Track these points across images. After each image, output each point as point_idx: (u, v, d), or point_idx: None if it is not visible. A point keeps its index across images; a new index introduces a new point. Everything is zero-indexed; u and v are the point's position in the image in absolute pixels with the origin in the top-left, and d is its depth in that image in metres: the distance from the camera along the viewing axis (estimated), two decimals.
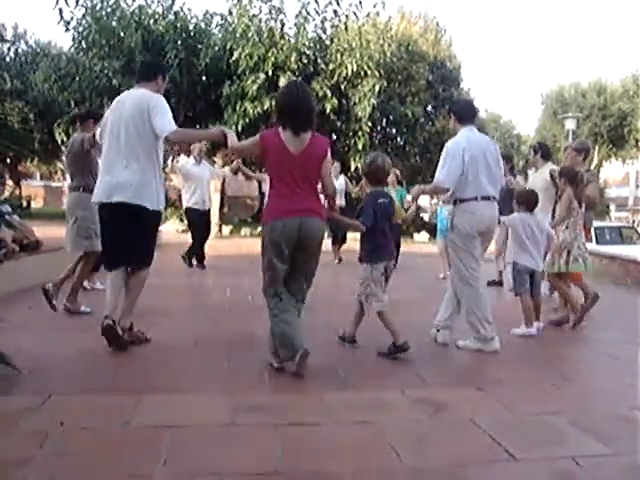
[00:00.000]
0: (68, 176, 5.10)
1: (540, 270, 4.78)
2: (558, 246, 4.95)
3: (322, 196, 3.68)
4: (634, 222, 33.97)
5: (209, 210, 8.56)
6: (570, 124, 19.91)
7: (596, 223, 15.29)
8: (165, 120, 3.64)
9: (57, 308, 4.78)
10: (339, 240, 9.72)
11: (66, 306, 4.89)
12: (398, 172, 8.87)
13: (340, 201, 8.65)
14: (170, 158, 6.56)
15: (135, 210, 3.70)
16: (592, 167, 30.28)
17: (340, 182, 9.56)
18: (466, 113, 4.31)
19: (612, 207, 40.46)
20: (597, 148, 31.81)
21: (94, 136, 4.34)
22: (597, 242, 12.94)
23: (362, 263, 3.95)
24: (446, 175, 4.10)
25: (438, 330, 4.31)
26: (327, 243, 9.69)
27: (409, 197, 4.76)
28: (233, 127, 13.99)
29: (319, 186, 3.56)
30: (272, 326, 3.41)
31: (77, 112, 5.19)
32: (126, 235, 3.78)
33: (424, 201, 17.81)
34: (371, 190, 4.06)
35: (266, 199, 3.64)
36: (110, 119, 3.83)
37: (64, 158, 5.02)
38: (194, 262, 8.32)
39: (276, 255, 3.36)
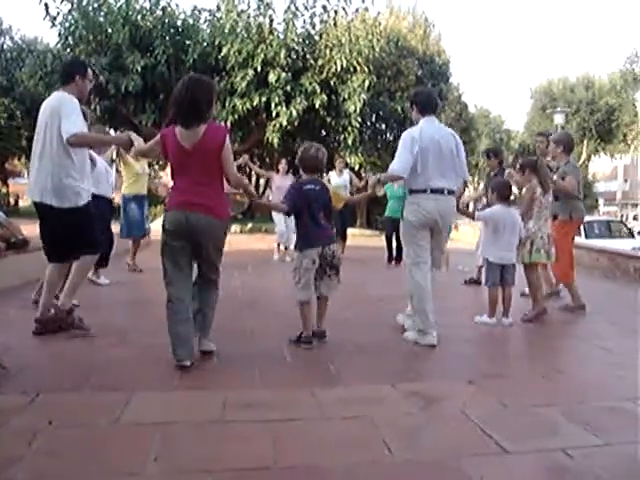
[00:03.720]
0: None
1: (511, 263, 4.79)
2: (523, 237, 4.96)
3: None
4: (622, 216, 34.28)
5: None
6: (559, 119, 20.05)
7: (585, 217, 15.41)
8: (67, 124, 3.73)
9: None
10: (340, 237, 9.49)
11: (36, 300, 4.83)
12: None
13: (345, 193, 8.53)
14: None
15: (44, 208, 3.89)
16: (581, 161, 30.48)
17: (344, 177, 9.52)
18: (427, 104, 4.27)
19: (601, 201, 40.81)
20: (585, 143, 32.04)
21: None
22: (586, 236, 13.06)
23: (295, 251, 4.02)
24: (398, 163, 4.09)
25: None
26: None
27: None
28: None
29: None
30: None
31: None
32: (50, 232, 4.00)
33: None
34: (302, 178, 4.08)
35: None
36: (38, 123, 3.99)
37: None
38: None
39: (167, 245, 3.46)
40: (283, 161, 9.69)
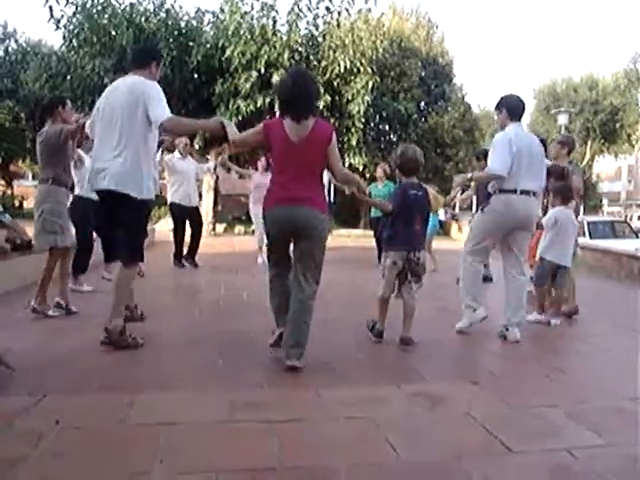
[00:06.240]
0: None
1: (568, 264, 4.81)
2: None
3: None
4: (627, 217, 34.19)
5: (197, 208, 8.42)
6: (562, 119, 20.00)
7: (589, 218, 15.39)
8: (160, 107, 3.55)
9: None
10: None
11: (34, 308, 4.65)
12: (387, 167, 8.86)
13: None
14: (160, 151, 6.35)
15: (120, 198, 3.60)
16: (584, 162, 30.44)
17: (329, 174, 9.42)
18: (516, 110, 4.38)
19: (605, 202, 40.67)
20: (589, 143, 31.93)
21: (83, 127, 4.20)
22: (590, 236, 13.02)
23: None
24: (500, 163, 4.16)
25: (507, 329, 4.27)
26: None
27: None
28: None
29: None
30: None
31: (42, 107, 4.96)
32: (114, 224, 3.83)
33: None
34: (403, 181, 4.08)
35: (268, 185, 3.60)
36: (103, 106, 3.73)
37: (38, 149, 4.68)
38: (185, 261, 8.24)
39: (273, 242, 3.58)
40: (263, 158, 9.07)
